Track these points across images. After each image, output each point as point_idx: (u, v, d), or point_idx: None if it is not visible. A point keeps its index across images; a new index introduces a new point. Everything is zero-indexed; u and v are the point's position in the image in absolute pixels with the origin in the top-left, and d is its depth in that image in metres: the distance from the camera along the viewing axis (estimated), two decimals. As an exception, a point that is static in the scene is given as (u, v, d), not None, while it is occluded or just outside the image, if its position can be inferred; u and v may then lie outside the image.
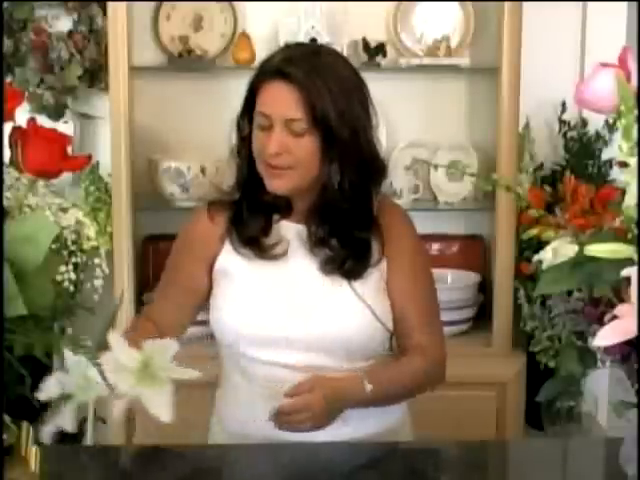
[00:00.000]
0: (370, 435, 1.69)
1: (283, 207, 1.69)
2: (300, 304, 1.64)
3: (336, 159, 1.60)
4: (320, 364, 1.64)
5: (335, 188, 1.62)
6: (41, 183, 2.40)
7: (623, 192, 1.18)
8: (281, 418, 1.51)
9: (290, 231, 1.69)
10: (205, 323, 1.81)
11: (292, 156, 1.58)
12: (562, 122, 2.83)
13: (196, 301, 1.72)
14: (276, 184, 1.62)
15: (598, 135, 2.80)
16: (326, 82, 1.57)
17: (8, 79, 2.68)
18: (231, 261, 1.68)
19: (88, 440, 2.92)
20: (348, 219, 1.65)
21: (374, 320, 1.64)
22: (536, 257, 1.31)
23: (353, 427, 1.67)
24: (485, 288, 2.80)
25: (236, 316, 1.65)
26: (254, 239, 1.67)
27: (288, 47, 1.73)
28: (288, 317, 1.63)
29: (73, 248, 2.46)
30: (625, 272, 1.09)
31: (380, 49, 2.72)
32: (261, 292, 1.66)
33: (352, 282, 1.64)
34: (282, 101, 1.57)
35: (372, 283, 1.66)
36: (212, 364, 1.77)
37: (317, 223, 1.66)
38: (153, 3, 2.79)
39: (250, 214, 1.68)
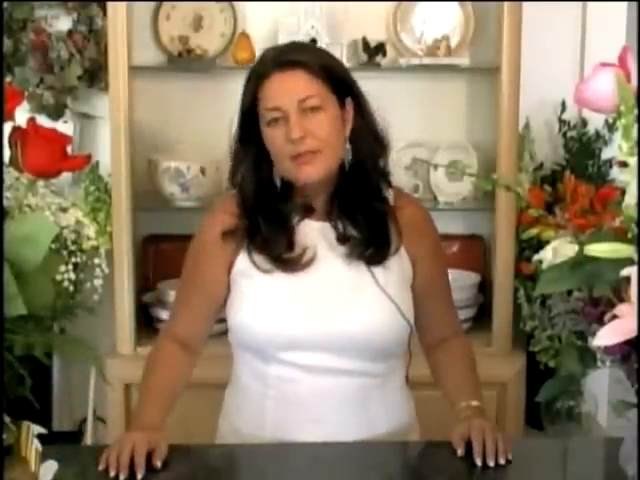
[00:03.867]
0: (379, 437, 1.69)
1: (302, 209, 1.68)
2: (324, 303, 1.63)
3: (350, 134, 1.65)
4: (339, 366, 1.64)
5: (349, 169, 1.65)
6: (41, 183, 2.41)
7: (623, 192, 1.18)
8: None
9: (314, 230, 1.68)
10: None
11: (315, 139, 1.60)
12: (562, 122, 2.83)
13: (217, 306, 1.71)
14: (306, 171, 1.61)
15: (598, 135, 2.80)
16: (323, 56, 1.68)
17: (8, 79, 2.68)
18: (251, 263, 1.66)
19: (88, 440, 2.93)
20: (365, 201, 1.67)
21: (399, 316, 1.64)
22: (536, 257, 1.31)
23: (364, 430, 1.68)
24: (485, 288, 2.80)
25: (258, 315, 1.63)
26: (279, 257, 1.64)
27: (271, 48, 1.74)
28: (311, 317, 1.62)
29: (73, 248, 2.46)
30: (625, 272, 1.09)
31: (380, 49, 2.72)
32: (284, 291, 1.64)
33: (375, 272, 1.64)
34: (289, 86, 1.60)
35: (394, 275, 1.66)
36: (220, 363, 1.78)
37: (339, 216, 1.67)
38: (153, 3, 2.79)
39: (270, 232, 1.65)
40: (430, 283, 1.73)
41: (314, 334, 1.62)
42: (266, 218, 1.66)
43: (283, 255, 1.64)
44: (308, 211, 1.69)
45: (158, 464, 1.47)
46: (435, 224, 1.79)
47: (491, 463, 1.50)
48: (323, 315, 1.62)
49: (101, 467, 1.47)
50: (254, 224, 1.66)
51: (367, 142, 1.68)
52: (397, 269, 1.67)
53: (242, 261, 1.67)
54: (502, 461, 1.50)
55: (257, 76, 1.64)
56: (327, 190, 1.68)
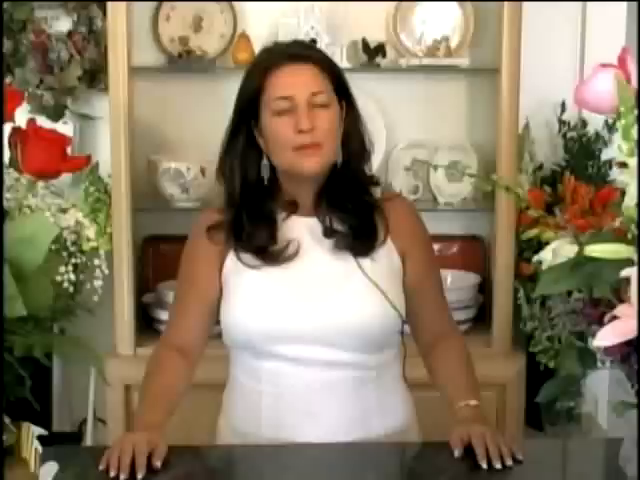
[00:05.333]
0: (375, 437, 1.69)
1: (288, 206, 1.71)
2: (313, 296, 1.64)
3: (342, 135, 1.68)
4: (331, 358, 1.64)
5: (339, 169, 1.68)
6: (41, 184, 2.41)
7: (623, 192, 1.18)
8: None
9: (300, 226, 1.70)
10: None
11: (321, 132, 1.63)
12: (562, 122, 2.83)
13: (213, 310, 1.71)
14: (310, 162, 1.63)
15: (598, 135, 2.80)
16: (327, 57, 1.72)
17: (8, 80, 2.68)
18: (240, 263, 1.68)
19: (88, 440, 2.93)
20: (352, 196, 1.69)
21: (388, 305, 1.64)
22: (536, 257, 1.32)
23: (360, 425, 1.68)
24: (485, 288, 2.79)
25: (248, 311, 1.64)
26: (262, 249, 1.67)
27: (275, 43, 1.78)
28: (301, 310, 1.63)
29: (73, 249, 2.46)
30: (625, 272, 1.09)
31: (380, 49, 2.72)
32: (273, 286, 1.66)
33: (362, 263, 1.65)
34: (302, 79, 1.64)
35: (382, 266, 1.68)
36: (219, 365, 1.78)
37: (326, 212, 1.69)
38: (153, 3, 2.79)
39: (252, 226, 1.67)
40: (422, 278, 1.74)
41: (304, 326, 1.63)
42: (250, 214, 1.68)
43: (267, 248, 1.66)
44: (293, 208, 1.71)
45: (158, 464, 1.47)
46: (424, 221, 1.80)
47: (497, 465, 1.48)
48: (312, 307, 1.63)
49: (101, 467, 1.47)
50: (238, 220, 1.68)
51: (356, 145, 1.71)
52: (385, 260, 1.69)
53: (230, 260, 1.69)
54: (509, 462, 1.49)
55: (266, 65, 1.66)
56: (314, 187, 1.70)
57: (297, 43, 1.79)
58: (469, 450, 1.53)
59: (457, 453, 1.53)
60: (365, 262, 1.66)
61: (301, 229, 1.70)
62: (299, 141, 1.62)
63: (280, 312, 1.64)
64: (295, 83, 1.63)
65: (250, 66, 1.72)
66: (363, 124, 1.73)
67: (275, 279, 1.66)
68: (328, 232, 1.68)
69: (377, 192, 1.75)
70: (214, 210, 1.75)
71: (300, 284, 1.65)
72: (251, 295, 1.66)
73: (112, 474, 1.45)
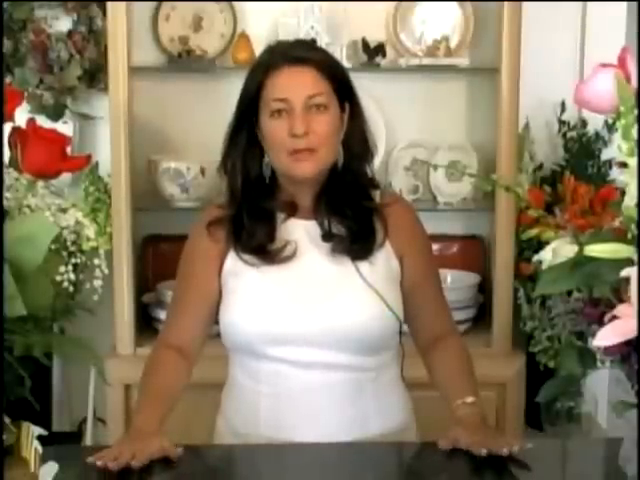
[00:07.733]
0: (373, 437, 1.69)
1: (287, 207, 1.71)
2: (311, 299, 1.64)
3: (343, 137, 1.68)
4: (329, 360, 1.65)
5: (339, 171, 1.68)
6: (40, 183, 2.40)
7: (623, 192, 1.18)
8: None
9: (299, 228, 1.70)
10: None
11: (316, 136, 1.62)
12: (562, 122, 2.83)
13: (212, 310, 1.71)
14: (304, 167, 1.63)
15: (598, 135, 2.80)
16: (330, 57, 1.71)
17: (8, 79, 2.68)
18: (239, 263, 1.69)
19: (88, 440, 2.93)
20: (352, 200, 1.69)
21: (385, 309, 1.65)
22: (536, 257, 1.32)
23: (358, 426, 1.68)
24: (485, 288, 2.79)
25: (246, 314, 1.65)
26: (261, 247, 1.67)
27: (278, 42, 1.77)
28: (299, 313, 1.64)
29: (73, 249, 2.46)
30: (624, 272, 1.09)
31: (380, 49, 2.72)
32: (271, 289, 1.66)
33: (360, 266, 1.65)
34: (299, 81, 1.63)
35: (380, 269, 1.68)
36: (218, 364, 1.78)
37: (325, 215, 1.69)
38: (153, 3, 2.79)
39: (252, 223, 1.68)
40: (420, 280, 1.74)
41: (302, 329, 1.63)
42: (250, 211, 1.68)
43: (265, 246, 1.67)
44: (293, 209, 1.71)
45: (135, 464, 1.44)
46: (422, 222, 1.80)
47: (504, 451, 1.47)
48: (311, 310, 1.64)
49: (91, 459, 1.43)
50: (239, 217, 1.69)
51: (358, 147, 1.70)
52: (383, 264, 1.69)
53: (230, 260, 1.69)
54: (515, 448, 1.48)
55: (266, 65, 1.66)
56: (313, 189, 1.71)
57: (300, 43, 1.79)
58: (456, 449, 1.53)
59: (441, 445, 1.53)
60: (363, 266, 1.66)
61: (299, 232, 1.70)
62: (293, 145, 1.62)
63: (279, 315, 1.64)
64: (292, 85, 1.63)
65: (253, 64, 1.72)
66: (367, 126, 1.72)
67: (273, 281, 1.66)
68: (327, 236, 1.68)
69: (376, 194, 1.75)
70: (216, 206, 1.75)
71: (298, 287, 1.66)
72: (249, 298, 1.66)
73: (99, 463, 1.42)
